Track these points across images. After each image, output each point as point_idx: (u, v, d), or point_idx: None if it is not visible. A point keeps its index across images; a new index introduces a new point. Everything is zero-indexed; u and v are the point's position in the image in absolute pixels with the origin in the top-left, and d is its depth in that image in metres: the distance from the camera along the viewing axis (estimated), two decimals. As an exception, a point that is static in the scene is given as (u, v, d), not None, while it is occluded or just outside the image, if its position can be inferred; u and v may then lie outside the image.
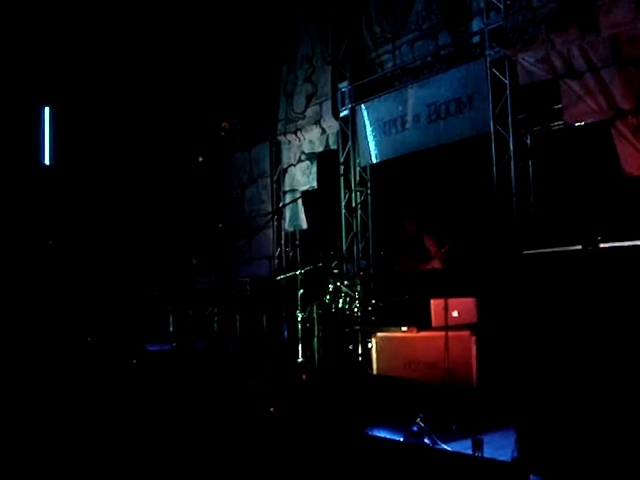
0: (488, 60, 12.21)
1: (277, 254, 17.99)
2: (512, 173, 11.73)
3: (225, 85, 19.66)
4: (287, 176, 17.58)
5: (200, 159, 20.09)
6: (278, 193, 17.96)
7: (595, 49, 10.37)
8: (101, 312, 17.19)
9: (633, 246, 7.39)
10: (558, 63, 11.00)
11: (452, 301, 9.88)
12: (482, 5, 12.46)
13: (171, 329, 17.00)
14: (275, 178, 18.09)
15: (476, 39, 12.75)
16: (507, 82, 11.89)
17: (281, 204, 17.56)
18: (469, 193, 12.63)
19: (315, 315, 11.89)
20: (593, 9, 10.29)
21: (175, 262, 17.96)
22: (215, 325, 16.05)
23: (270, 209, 17.80)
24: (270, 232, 17.93)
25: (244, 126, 19.44)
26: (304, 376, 10.86)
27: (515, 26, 11.63)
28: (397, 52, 14.56)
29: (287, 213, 17.39)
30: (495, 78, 12.09)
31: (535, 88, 11.66)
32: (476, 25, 12.71)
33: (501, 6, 11.97)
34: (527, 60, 11.54)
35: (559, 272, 7.69)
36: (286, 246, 17.94)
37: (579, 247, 7.89)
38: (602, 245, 7.68)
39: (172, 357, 14.94)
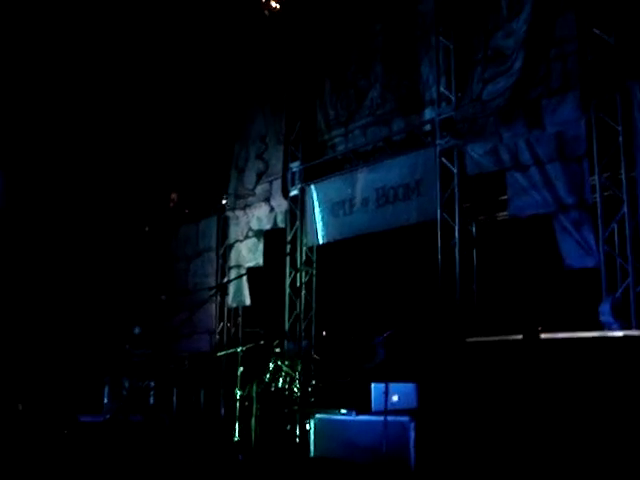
0: (438, 149, 12.46)
1: (219, 329, 17.74)
2: (457, 261, 11.86)
3: (176, 157, 19.68)
4: (233, 251, 17.49)
5: (146, 229, 19.96)
6: (223, 268, 17.82)
7: (541, 144, 10.69)
8: (34, 378, 16.64)
9: (572, 338, 7.49)
10: (505, 156, 11.29)
11: (393, 386, 9.81)
12: (434, 96, 12.79)
13: (105, 400, 16.52)
14: (221, 253, 17.98)
15: (427, 128, 13.05)
16: (455, 171, 12.13)
17: (225, 279, 17.40)
18: (414, 278, 12.70)
19: (254, 394, 11.68)
20: (539, 106, 10.66)
21: (115, 331, 17.60)
22: (151, 399, 15.67)
23: (214, 283, 17.62)
24: (213, 307, 17.70)
25: (193, 199, 19.43)
26: (240, 456, 10.59)
27: (465, 117, 11.97)
28: (350, 135, 14.81)
29: (231, 289, 17.22)
30: (444, 167, 12.32)
31: (482, 178, 11.92)
32: (428, 114, 13.02)
33: (452, 97, 12.32)
34: (475, 151, 11.83)
35: (500, 360, 7.73)
36: (228, 322, 17.71)
37: (520, 337, 7.96)
38: (543, 336, 7.77)
39: (105, 429, 14.46)
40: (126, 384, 15.73)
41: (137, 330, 16.80)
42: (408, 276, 12.81)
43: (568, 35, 10.27)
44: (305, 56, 15.96)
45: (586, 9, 10.09)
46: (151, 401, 15.79)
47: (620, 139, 9.60)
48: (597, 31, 9.89)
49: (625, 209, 9.50)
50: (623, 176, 9.52)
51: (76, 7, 17.73)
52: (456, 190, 12.10)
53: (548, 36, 10.54)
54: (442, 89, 12.61)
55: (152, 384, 15.79)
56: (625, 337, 7.41)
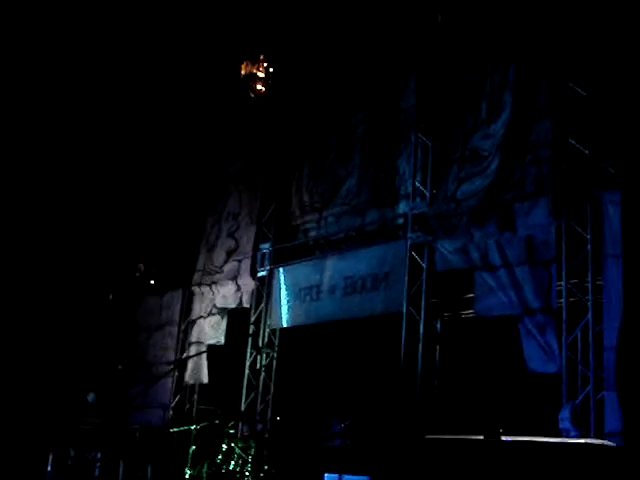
0: (409, 243, 12.56)
1: (173, 405, 17.32)
2: (419, 356, 11.80)
3: (147, 227, 19.64)
4: (195, 327, 17.25)
5: (110, 296, 19.72)
6: (184, 343, 17.54)
7: (511, 246, 10.81)
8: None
9: (533, 442, 7.43)
10: (475, 255, 11.38)
11: (346, 477, 9.62)
12: (409, 190, 12.97)
13: (49, 468, 15.91)
14: (183, 327, 17.73)
15: (400, 221, 13.16)
16: (424, 266, 12.21)
17: (185, 355, 17.13)
18: (375, 369, 12.60)
19: (204, 474, 11.36)
20: (512, 209, 10.82)
21: (68, 397, 17.13)
22: (97, 470, 15.12)
23: (173, 358, 17.35)
24: (170, 381, 17.33)
25: (160, 270, 19.31)
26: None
27: (438, 214, 12.09)
28: (323, 222, 14.86)
29: (190, 365, 16.91)
30: (413, 261, 12.40)
31: (450, 275, 11.98)
32: (402, 208, 13.16)
33: (427, 194, 12.50)
34: (446, 248, 11.92)
35: (460, 460, 7.62)
36: (184, 398, 17.34)
37: (481, 437, 7.88)
38: (503, 438, 7.70)
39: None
40: (72, 453, 15.17)
41: (90, 398, 16.33)
42: (370, 366, 12.70)
43: (544, 141, 10.54)
44: (286, 139, 16.22)
45: (562, 118, 10.41)
46: (96, 473, 15.22)
47: (589, 247, 9.78)
48: (572, 140, 10.18)
49: (590, 316, 9.58)
50: (590, 284, 9.65)
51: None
52: (424, 285, 12.15)
53: (525, 141, 10.81)
54: (418, 184, 12.81)
55: (99, 455, 15.25)
56: (586, 445, 7.37)
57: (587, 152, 10.01)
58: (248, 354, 15.45)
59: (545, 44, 10.97)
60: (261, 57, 16.70)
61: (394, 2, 13.98)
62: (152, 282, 19.41)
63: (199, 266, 17.52)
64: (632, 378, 8.67)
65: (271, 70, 16.66)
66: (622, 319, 8.89)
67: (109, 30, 18.40)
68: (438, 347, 12.04)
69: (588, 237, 9.81)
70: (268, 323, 15.39)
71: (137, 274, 19.67)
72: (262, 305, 15.57)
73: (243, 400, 15.12)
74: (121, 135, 19.46)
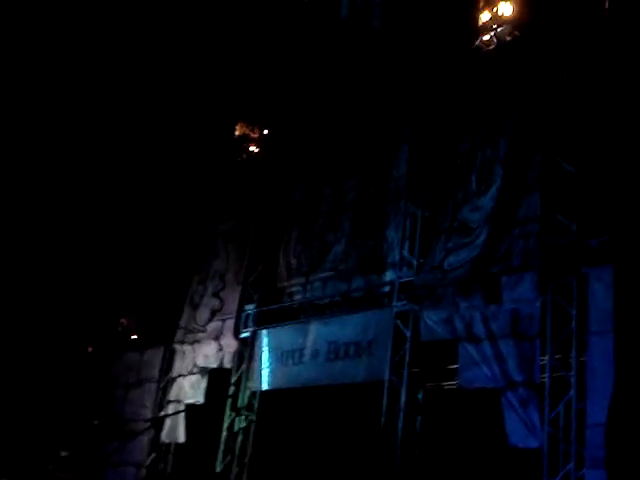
0: (394, 311, 12.57)
1: (147, 464, 16.96)
2: (400, 425, 11.69)
3: (131, 282, 19.58)
4: (175, 385, 17.02)
5: (90, 349, 19.52)
6: (162, 401, 17.28)
7: (496, 319, 10.81)
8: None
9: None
10: (460, 326, 11.36)
11: None
12: (397, 259, 13.02)
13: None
14: (162, 385, 17.48)
15: (386, 289, 13.16)
16: (409, 335, 12.18)
17: (163, 413, 16.87)
18: (356, 437, 12.47)
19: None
20: (498, 282, 10.87)
21: (41, 451, 16.80)
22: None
23: (151, 415, 17.07)
24: (145, 439, 17.00)
25: (142, 326, 19.17)
26: None
27: (425, 284, 12.12)
28: (309, 286, 14.87)
29: (167, 423, 16.61)
30: (398, 329, 12.38)
31: (434, 345, 11.93)
32: (389, 276, 13.19)
33: (414, 263, 12.57)
34: (431, 318, 11.89)
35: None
36: (159, 457, 16.99)
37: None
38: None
39: None
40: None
41: (64, 452, 16.04)
42: (350, 433, 12.58)
43: (532, 216, 10.67)
44: (276, 201, 16.35)
45: (551, 193, 10.56)
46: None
47: (573, 323, 9.79)
48: (560, 216, 10.29)
49: (572, 392, 9.54)
50: (573, 360, 9.64)
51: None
52: (407, 354, 12.11)
53: (513, 214, 10.93)
54: (405, 253, 12.88)
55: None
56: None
57: (574, 228, 10.12)
58: (227, 415, 15.23)
59: (535, 120, 11.20)
60: (256, 119, 16.92)
61: (390, 72, 14.27)
62: (133, 337, 19.26)
63: (182, 324, 17.41)
64: (623, 456, 8.59)
65: (265, 132, 16.87)
66: (612, 396, 8.85)
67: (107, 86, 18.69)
68: (419, 417, 11.89)
69: (573, 313, 9.84)
70: (249, 385, 15.23)
71: (119, 328, 19.52)
72: (243, 366, 15.44)
73: (219, 461, 14.85)
74: (111, 187, 19.54)
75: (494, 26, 11.85)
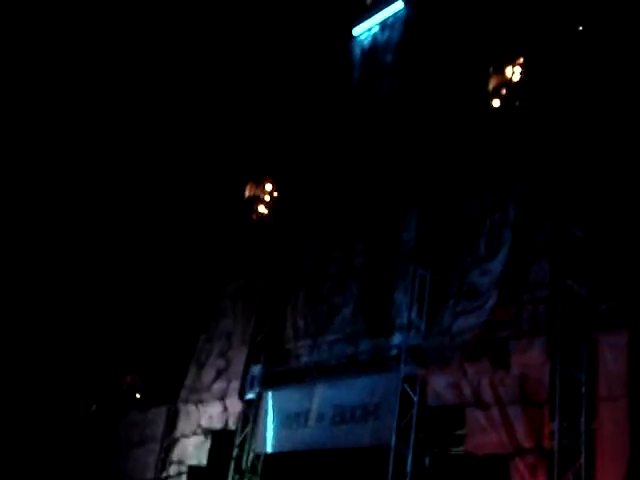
0: (401, 375, 12.43)
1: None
2: (407, 492, 11.49)
3: (138, 340, 19.53)
4: (178, 446, 16.83)
5: (94, 408, 19.36)
6: (164, 461, 17.03)
7: (504, 384, 10.71)
8: None
9: None
10: (467, 391, 11.26)
11: None
12: (405, 322, 12.97)
13: None
14: (165, 445, 17.25)
15: (394, 352, 13.05)
16: (416, 400, 12.03)
17: (164, 474, 16.63)
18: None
19: None
20: (507, 347, 10.79)
21: None
22: None
23: (152, 476, 16.82)
24: (145, 500, 16.81)
25: (147, 385, 19.04)
26: None
27: (432, 348, 12.04)
28: (315, 348, 14.81)
29: (168, 485, 16.45)
30: (405, 394, 12.23)
31: (441, 410, 11.79)
32: (396, 339, 13.13)
33: (422, 326, 12.49)
34: (438, 382, 11.80)
35: None
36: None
37: None
38: None
39: None
40: None
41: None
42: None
43: (541, 281, 10.68)
44: (285, 262, 16.39)
45: (560, 258, 10.56)
46: None
47: (583, 389, 9.67)
48: (569, 281, 10.27)
49: (582, 460, 9.36)
50: (583, 426, 9.49)
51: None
52: (414, 419, 11.94)
53: (522, 279, 10.93)
54: (413, 316, 12.82)
55: None
56: None
57: (583, 293, 10.10)
58: (230, 478, 14.97)
59: (544, 185, 11.30)
60: (266, 180, 17.08)
61: (399, 136, 14.48)
62: (138, 396, 19.11)
63: (187, 383, 17.29)
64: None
65: (275, 194, 17.01)
66: (629, 464, 8.69)
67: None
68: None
69: (582, 379, 9.73)
70: (253, 447, 15.02)
71: (123, 386, 19.39)
72: (248, 428, 15.25)
73: (221, 525, 14.61)
74: (123, 243, 19.66)
75: (503, 91, 12.04)
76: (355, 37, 17.51)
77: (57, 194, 19.65)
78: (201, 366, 17.12)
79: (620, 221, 10.02)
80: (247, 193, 17.18)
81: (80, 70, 19.05)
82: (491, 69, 12.33)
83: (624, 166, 10.25)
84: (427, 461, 11.92)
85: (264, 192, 17.11)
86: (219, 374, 16.45)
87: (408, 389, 12.23)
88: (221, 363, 16.61)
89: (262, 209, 16.99)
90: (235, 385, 15.88)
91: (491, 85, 12.26)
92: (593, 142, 10.81)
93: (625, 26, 10.79)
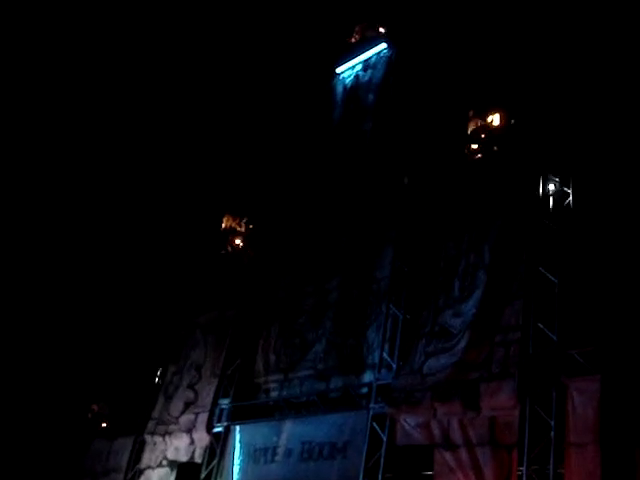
0: (371, 413, 12.41)
1: None
2: (373, 531, 11.41)
3: (106, 369, 19.32)
4: (142, 477, 16.49)
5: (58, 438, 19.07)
6: (128, 494, 16.79)
7: (474, 426, 10.72)
8: None
9: None
10: (437, 432, 11.24)
11: None
12: (376, 360, 12.97)
13: None
14: (129, 476, 16.95)
15: (364, 390, 13.02)
16: (384, 439, 11.98)
17: (127, 507, 16.38)
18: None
19: None
20: (477, 388, 10.81)
21: None
22: None
23: (114, 507, 16.58)
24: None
25: (113, 414, 18.78)
26: None
27: (403, 387, 12.03)
28: (286, 383, 14.71)
29: (132, 517, 16.17)
30: (374, 432, 12.20)
31: (410, 450, 11.76)
32: (367, 377, 13.12)
33: (394, 365, 12.50)
34: (408, 422, 11.77)
35: None
36: None
37: None
38: None
39: None
40: None
41: None
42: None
43: (514, 324, 10.76)
44: (259, 295, 16.39)
45: (533, 302, 10.67)
46: None
47: (552, 434, 9.70)
48: (541, 325, 10.36)
49: (550, 506, 9.38)
50: (551, 471, 9.50)
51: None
52: (382, 459, 11.88)
53: (495, 322, 11.00)
54: (385, 355, 12.84)
55: None
56: None
57: (555, 338, 10.18)
58: (193, 513, 14.80)
59: (519, 229, 11.44)
60: (243, 214, 17.08)
61: (378, 175, 14.61)
62: (104, 425, 18.83)
63: (155, 414, 17.03)
64: None
65: (251, 227, 17.01)
66: None
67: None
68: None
69: (552, 424, 9.77)
70: (218, 481, 14.84)
71: (89, 415, 19.11)
72: (214, 462, 15.05)
73: None
74: (92, 269, 19.54)
75: (482, 135, 12.20)
76: (338, 75, 17.69)
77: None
78: (169, 397, 16.89)
79: (594, 268, 10.15)
80: (223, 225, 17.15)
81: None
82: (471, 113, 12.49)
83: (600, 213, 10.40)
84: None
85: (240, 225, 17.09)
86: (187, 406, 16.24)
87: (377, 428, 12.19)
88: (190, 395, 16.41)
89: (237, 241, 16.94)
90: (203, 418, 15.67)
91: (470, 129, 12.42)
92: (569, 188, 10.99)
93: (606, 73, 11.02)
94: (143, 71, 19.03)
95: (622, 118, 10.93)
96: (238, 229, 17.18)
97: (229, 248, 17.01)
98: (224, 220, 17.15)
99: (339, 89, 17.36)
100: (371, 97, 16.49)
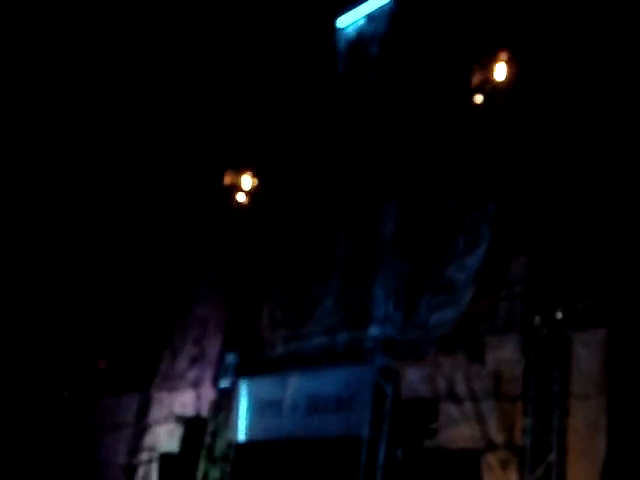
0: (376, 367, 12.45)
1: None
2: (378, 483, 11.55)
3: (112, 325, 19.42)
4: (150, 433, 16.74)
5: (66, 393, 19.24)
6: (136, 448, 16.95)
7: (478, 379, 10.78)
8: None
9: None
10: (441, 384, 11.32)
11: None
12: (382, 314, 12.96)
13: None
14: (137, 432, 17.17)
15: (369, 344, 13.06)
16: (390, 393, 12.07)
17: (136, 461, 16.56)
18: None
19: None
20: (482, 342, 10.86)
21: None
22: None
23: (123, 462, 16.75)
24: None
25: (120, 370, 18.93)
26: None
27: (408, 341, 12.11)
28: (293, 339, 14.74)
29: (139, 471, 16.33)
30: (379, 386, 12.27)
31: (415, 403, 11.85)
32: (373, 331, 13.09)
33: (398, 319, 12.53)
34: (413, 375, 11.86)
35: None
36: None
37: None
38: None
39: None
40: None
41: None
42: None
43: (518, 277, 10.74)
44: (264, 251, 16.31)
45: (538, 256, 10.62)
46: None
47: (556, 387, 9.75)
48: (547, 279, 10.34)
49: (553, 457, 9.45)
50: (555, 423, 9.57)
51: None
52: (388, 411, 11.98)
53: (499, 276, 10.99)
54: (390, 309, 12.83)
55: None
56: None
57: (560, 291, 10.17)
58: (201, 466, 14.96)
59: (524, 183, 11.34)
60: (246, 169, 16.94)
61: (382, 129, 14.48)
62: (111, 381, 19.00)
63: (161, 370, 17.21)
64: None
65: (255, 183, 16.89)
66: (604, 459, 8.79)
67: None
68: (398, 475, 11.74)
69: (556, 376, 9.80)
70: (225, 436, 14.99)
71: (97, 372, 19.28)
72: (221, 417, 15.21)
73: (191, 514, 14.59)
74: (95, 226, 19.53)
75: (487, 87, 12.05)
76: (340, 29, 17.44)
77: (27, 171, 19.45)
78: (175, 353, 17.04)
79: (600, 220, 10.09)
80: (226, 181, 17.04)
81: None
82: (475, 64, 12.32)
83: (606, 166, 10.30)
84: (399, 453, 11.96)
85: (244, 181, 16.97)
86: (193, 362, 16.38)
87: (382, 381, 12.26)
88: (195, 351, 16.53)
89: (241, 197, 16.84)
90: (209, 373, 15.83)
91: (475, 81, 12.26)
92: (575, 142, 10.86)
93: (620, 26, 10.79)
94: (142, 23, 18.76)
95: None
96: (241, 185, 17.06)
97: (233, 204, 16.91)
98: (226, 176, 17.02)
99: (342, 43, 17.14)
100: (374, 49, 16.27)
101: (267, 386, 14.71)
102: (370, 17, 16.76)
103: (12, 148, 19.02)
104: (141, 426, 17.15)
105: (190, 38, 18.82)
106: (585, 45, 11.03)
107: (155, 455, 16.14)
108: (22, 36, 18.52)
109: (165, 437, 16.27)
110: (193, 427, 15.86)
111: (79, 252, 19.85)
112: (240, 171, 16.93)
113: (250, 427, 14.59)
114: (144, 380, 17.62)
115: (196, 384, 15.98)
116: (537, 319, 10.20)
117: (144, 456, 16.46)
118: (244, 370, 15.36)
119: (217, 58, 18.46)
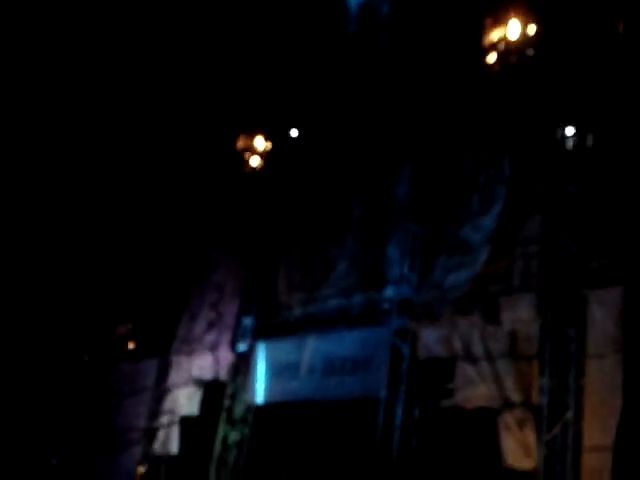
0: (392, 328, 12.50)
1: (139, 476, 16.82)
2: (395, 442, 11.62)
3: (130, 292, 19.54)
4: (169, 397, 16.89)
5: (86, 358, 19.45)
6: (156, 412, 17.12)
7: (494, 339, 10.78)
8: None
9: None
10: (458, 345, 11.32)
11: None
12: (397, 276, 12.98)
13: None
14: (157, 396, 17.35)
15: (386, 306, 13.09)
16: (406, 353, 12.11)
17: (156, 424, 16.75)
18: (351, 453, 12.41)
19: None
20: (498, 302, 10.83)
21: (30, 459, 16.67)
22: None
23: (143, 426, 16.95)
24: (137, 450, 16.90)
25: (139, 335, 19.10)
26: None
27: (424, 302, 12.08)
28: (309, 301, 14.75)
29: (160, 435, 16.52)
30: (395, 347, 12.33)
31: (432, 364, 11.88)
32: (388, 293, 13.12)
33: (414, 280, 12.53)
34: (429, 336, 11.86)
35: None
36: (151, 469, 16.82)
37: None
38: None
39: None
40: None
41: (54, 460, 15.90)
42: (345, 449, 12.52)
43: (534, 236, 10.67)
44: (279, 215, 16.29)
45: (553, 215, 10.54)
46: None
47: (572, 346, 9.74)
48: (562, 238, 10.28)
49: (570, 415, 9.49)
50: (571, 382, 9.59)
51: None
52: (404, 372, 12.04)
53: (515, 235, 10.92)
54: (405, 271, 12.82)
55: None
56: None
57: (575, 250, 10.11)
58: (221, 428, 15.13)
59: (540, 142, 11.22)
60: (259, 132, 16.86)
61: (396, 91, 14.33)
62: (130, 347, 19.18)
63: (179, 334, 17.29)
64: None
65: (268, 146, 16.83)
66: (620, 420, 8.80)
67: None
68: (415, 435, 11.82)
69: (572, 335, 9.80)
70: (244, 398, 15.14)
71: (115, 337, 19.45)
72: (239, 379, 15.36)
73: (212, 475, 14.77)
74: (113, 196, 19.56)
75: (501, 46, 11.89)
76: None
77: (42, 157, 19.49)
78: (193, 318, 17.10)
79: (614, 179, 9.99)
80: (239, 145, 16.98)
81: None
82: (488, 22, 12.15)
83: (621, 123, 10.18)
84: (417, 413, 12.05)
85: (256, 144, 16.90)
86: (210, 326, 16.44)
87: (399, 342, 12.31)
88: (212, 315, 16.59)
89: (254, 161, 16.79)
90: (226, 337, 15.91)
91: (488, 40, 12.10)
92: (590, 99, 10.72)
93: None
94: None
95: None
96: (254, 148, 17.00)
97: (246, 168, 16.88)
98: (239, 140, 16.95)
99: (352, 3, 16.91)
100: (385, 9, 16.06)
101: (284, 349, 14.78)
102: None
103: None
104: (161, 390, 17.30)
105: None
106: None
107: (175, 418, 16.30)
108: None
109: (185, 400, 16.41)
110: (212, 390, 16.00)
111: (98, 222, 19.91)
112: (253, 134, 16.86)
113: (268, 389, 14.70)
114: (163, 345, 17.77)
115: (214, 348, 16.06)
116: (552, 278, 10.16)
117: (164, 419, 16.63)
118: (261, 333, 15.45)
119: (229, 19, 18.26)
